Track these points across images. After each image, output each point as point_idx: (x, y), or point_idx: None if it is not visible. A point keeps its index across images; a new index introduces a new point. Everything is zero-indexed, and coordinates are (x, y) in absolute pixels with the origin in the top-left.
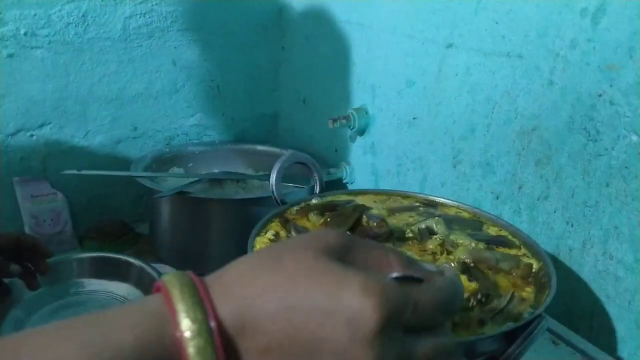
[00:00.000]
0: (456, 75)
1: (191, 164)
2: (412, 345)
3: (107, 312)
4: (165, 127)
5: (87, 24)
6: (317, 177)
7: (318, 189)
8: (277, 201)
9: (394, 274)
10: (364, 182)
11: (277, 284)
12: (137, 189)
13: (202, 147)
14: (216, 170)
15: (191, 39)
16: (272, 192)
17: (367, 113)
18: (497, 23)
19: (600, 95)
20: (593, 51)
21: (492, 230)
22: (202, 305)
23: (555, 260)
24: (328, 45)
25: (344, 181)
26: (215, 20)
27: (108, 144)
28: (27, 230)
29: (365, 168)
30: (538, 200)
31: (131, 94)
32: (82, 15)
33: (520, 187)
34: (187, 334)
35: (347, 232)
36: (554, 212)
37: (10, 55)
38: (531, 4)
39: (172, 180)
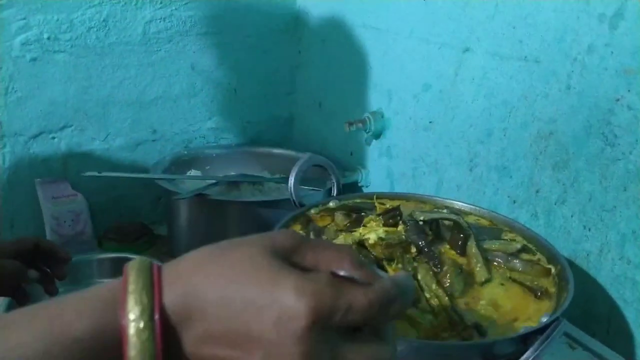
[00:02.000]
0: (473, 79)
1: (208, 167)
2: (344, 348)
3: (68, 298)
4: (184, 130)
5: (108, 29)
6: (334, 180)
7: (335, 192)
8: (295, 203)
9: (339, 272)
10: (380, 185)
11: (220, 275)
12: (156, 191)
13: (219, 149)
14: (233, 173)
15: (209, 43)
16: (291, 194)
17: (383, 117)
18: (514, 27)
19: (617, 100)
20: (611, 56)
21: (509, 237)
22: (151, 290)
23: (572, 264)
24: (344, 49)
25: (360, 184)
26: (233, 24)
27: (128, 147)
28: (47, 230)
29: (381, 171)
30: (555, 204)
31: (150, 98)
32: (103, 20)
33: (537, 191)
34: (131, 316)
35: (300, 233)
36: (571, 216)
37: (33, 59)
38: (548, 8)
39: (190, 183)
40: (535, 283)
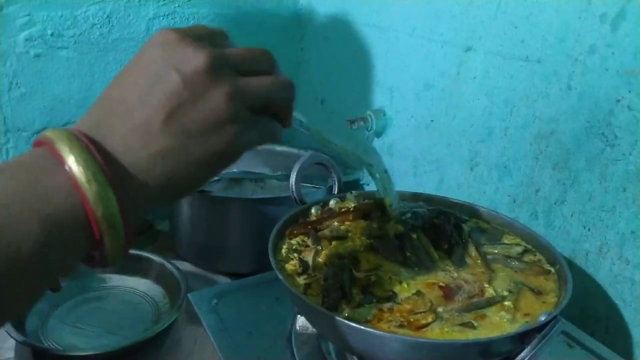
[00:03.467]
0: (474, 78)
1: None
2: (246, 78)
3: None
4: None
5: (112, 25)
6: (335, 178)
7: (336, 190)
8: (296, 201)
9: None
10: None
11: (122, 75)
12: None
13: None
14: (235, 170)
15: None
16: (292, 192)
17: (384, 115)
18: (516, 27)
19: (618, 101)
20: (612, 56)
21: (510, 240)
22: (69, 131)
23: (571, 264)
24: (347, 47)
25: (361, 182)
26: (235, 21)
27: None
28: None
29: None
30: (555, 204)
31: None
32: (107, 17)
33: (537, 191)
34: (59, 145)
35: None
36: (571, 216)
37: (37, 55)
38: (551, 8)
39: None
40: (537, 285)
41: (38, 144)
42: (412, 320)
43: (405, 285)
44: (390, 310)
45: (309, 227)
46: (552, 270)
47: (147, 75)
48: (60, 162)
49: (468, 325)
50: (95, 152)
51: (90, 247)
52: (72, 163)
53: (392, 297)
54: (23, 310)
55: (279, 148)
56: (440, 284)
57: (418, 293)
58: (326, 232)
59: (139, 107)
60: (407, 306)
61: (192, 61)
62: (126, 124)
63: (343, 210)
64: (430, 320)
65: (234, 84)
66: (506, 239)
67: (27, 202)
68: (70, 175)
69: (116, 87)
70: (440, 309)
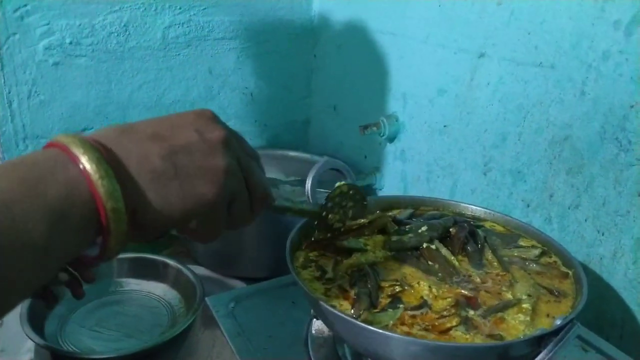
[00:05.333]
0: (488, 84)
1: None
2: (243, 159)
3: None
4: None
5: (129, 34)
6: None
7: None
8: None
9: None
10: (393, 189)
11: (149, 119)
12: None
13: None
14: None
15: (227, 47)
16: (308, 197)
17: (397, 120)
18: (529, 34)
19: (632, 106)
20: (626, 62)
21: (527, 243)
22: (86, 140)
23: (585, 268)
24: (360, 53)
25: (374, 187)
26: (250, 29)
27: None
28: None
29: (395, 174)
30: (569, 209)
31: (169, 101)
32: (124, 25)
33: (551, 196)
34: (81, 157)
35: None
36: (585, 220)
37: (56, 64)
38: (564, 15)
39: None
40: (556, 286)
41: (50, 146)
42: (436, 324)
43: (434, 291)
44: (414, 316)
45: (326, 242)
46: (570, 273)
47: (172, 123)
48: (74, 161)
49: (497, 338)
50: (105, 153)
51: (96, 236)
52: (85, 161)
53: (423, 304)
54: (26, 296)
55: (292, 153)
56: (467, 294)
57: (456, 304)
58: (344, 243)
59: (151, 137)
60: (435, 313)
61: (213, 131)
62: (136, 143)
63: (355, 227)
64: (454, 323)
65: (235, 158)
66: (522, 242)
67: (42, 194)
68: (84, 172)
69: (138, 122)
70: (463, 312)
